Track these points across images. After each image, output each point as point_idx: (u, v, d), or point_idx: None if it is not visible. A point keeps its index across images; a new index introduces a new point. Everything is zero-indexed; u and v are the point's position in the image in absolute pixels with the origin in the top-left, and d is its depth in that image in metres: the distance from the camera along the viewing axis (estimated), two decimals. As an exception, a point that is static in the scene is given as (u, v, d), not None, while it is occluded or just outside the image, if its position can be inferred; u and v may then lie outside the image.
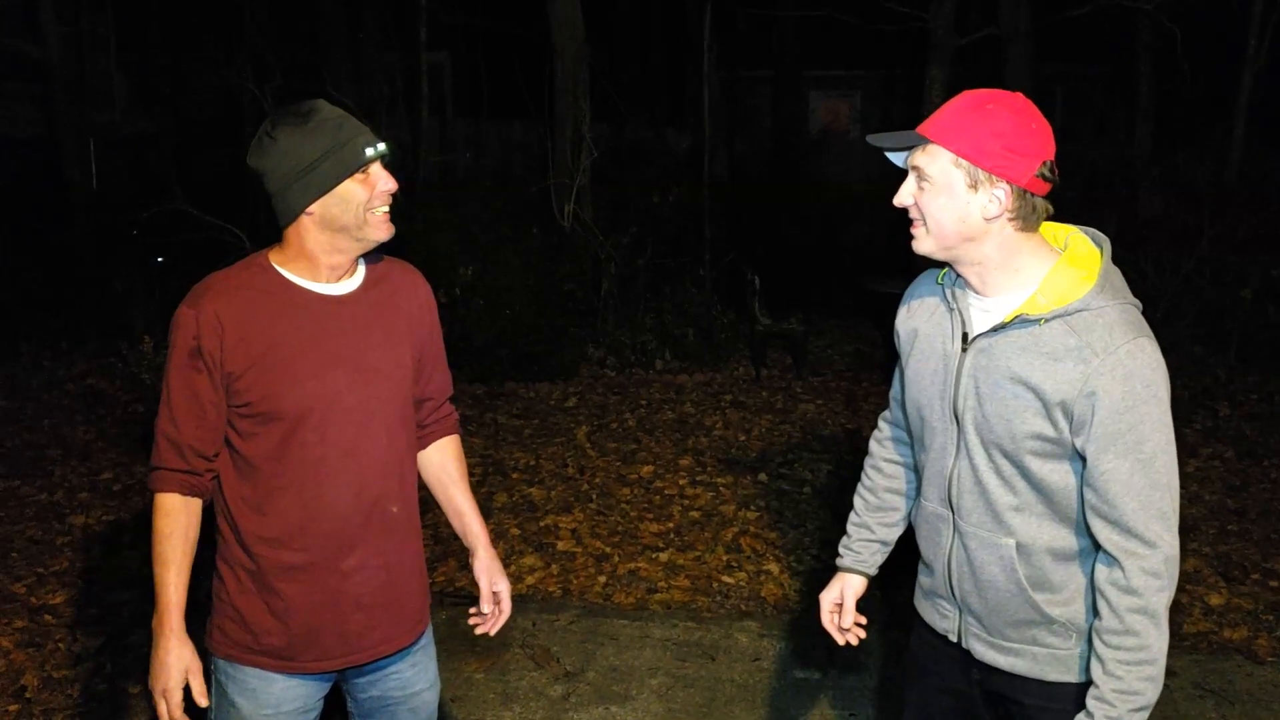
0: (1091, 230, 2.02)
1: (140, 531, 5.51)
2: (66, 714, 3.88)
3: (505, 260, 8.71)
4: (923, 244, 1.97)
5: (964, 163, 1.87)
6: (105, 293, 10.22)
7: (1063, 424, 1.86)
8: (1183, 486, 6.29)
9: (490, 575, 2.50)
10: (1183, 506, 5.95)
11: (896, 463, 2.35)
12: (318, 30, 12.96)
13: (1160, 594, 1.84)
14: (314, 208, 2.14)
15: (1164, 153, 10.13)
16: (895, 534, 2.37)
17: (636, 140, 13.92)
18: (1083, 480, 1.89)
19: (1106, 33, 12.86)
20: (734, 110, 18.01)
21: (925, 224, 1.95)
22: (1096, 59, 16.35)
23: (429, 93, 11.87)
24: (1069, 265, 1.92)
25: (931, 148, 1.90)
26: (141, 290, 9.64)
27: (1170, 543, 1.85)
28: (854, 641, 2.37)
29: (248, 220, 8.95)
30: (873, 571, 2.38)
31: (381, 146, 2.18)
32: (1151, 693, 1.86)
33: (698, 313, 9.37)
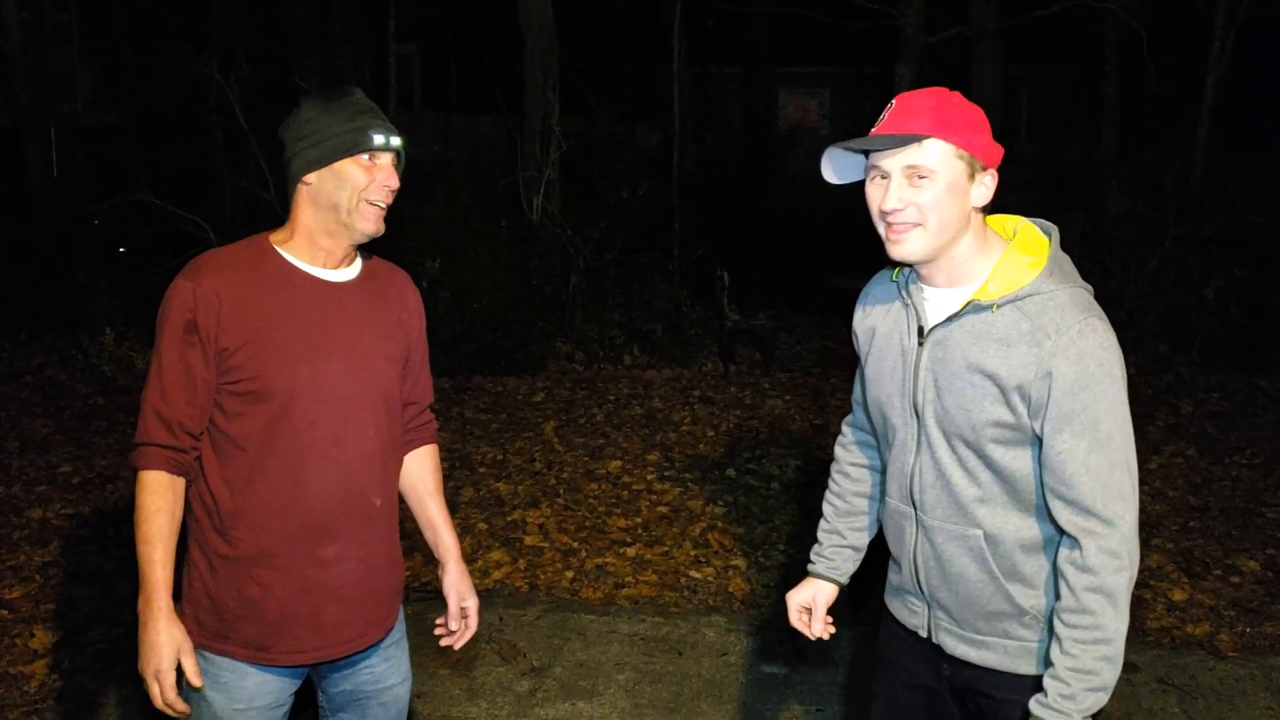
0: (1039, 220, 2.04)
1: (100, 525, 5.43)
2: (23, 711, 3.81)
3: (473, 254, 8.67)
4: (916, 245, 1.92)
5: (965, 154, 1.89)
6: (66, 284, 10.08)
7: (1021, 409, 1.87)
8: (1145, 483, 6.39)
9: (459, 592, 2.48)
10: (1145, 503, 6.04)
11: (863, 466, 2.34)
12: (285, 21, 12.83)
13: (1118, 574, 1.84)
14: (311, 178, 2.16)
15: (1130, 153, 10.21)
16: (866, 539, 2.35)
17: (606, 135, 13.88)
18: (1041, 463, 1.90)
19: (1073, 33, 12.94)
20: (704, 106, 18.01)
21: (924, 224, 1.90)
22: (1063, 59, 16.46)
23: (397, 85, 11.76)
24: (1018, 252, 1.95)
25: (928, 143, 1.88)
26: (103, 282, 9.51)
27: (1130, 522, 1.85)
28: (825, 636, 2.36)
29: (212, 212, 8.86)
30: (844, 580, 2.35)
31: (395, 141, 2.19)
32: (1108, 673, 1.85)
33: (666, 308, 9.36)
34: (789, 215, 13.74)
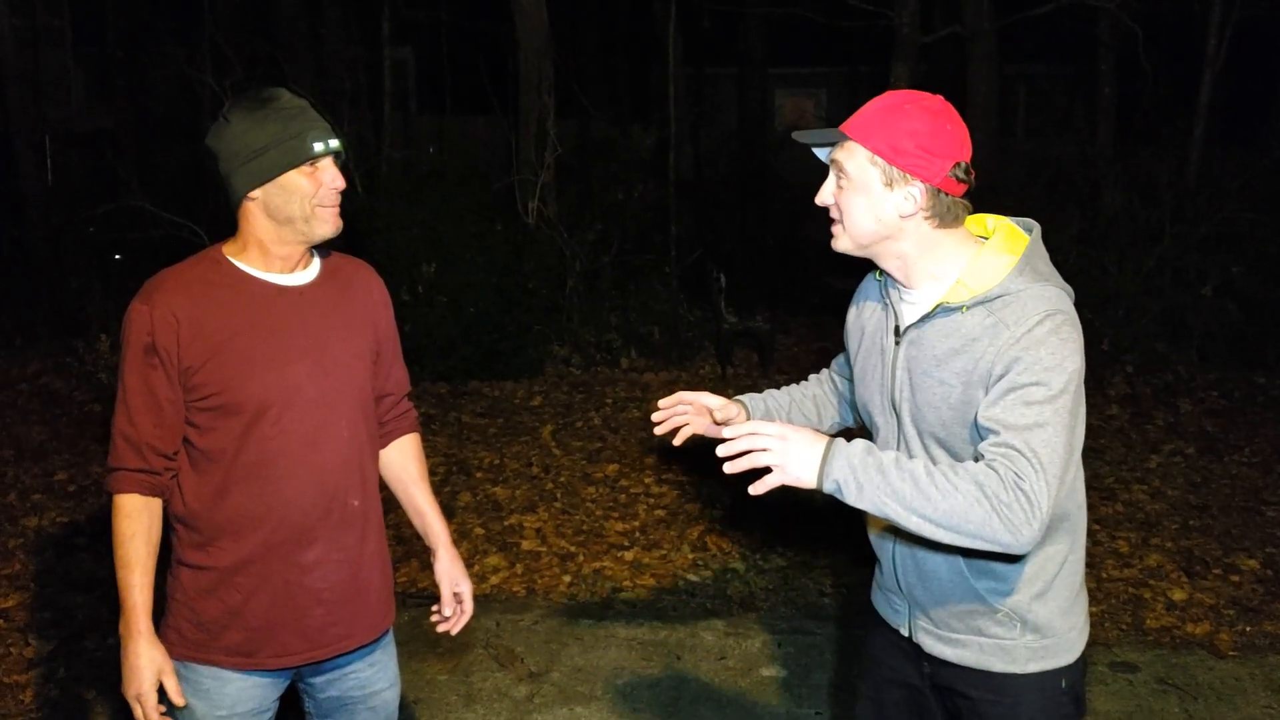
0: (1024, 220, 2.03)
1: (95, 533, 5.40)
2: (18, 720, 3.80)
3: (468, 257, 8.64)
4: (840, 242, 2.00)
5: (880, 160, 1.89)
6: (61, 290, 10.05)
7: (981, 402, 1.86)
8: (1144, 482, 6.36)
9: (451, 577, 2.48)
10: (1144, 502, 6.01)
11: (834, 383, 2.42)
12: (278, 24, 12.82)
13: (1008, 509, 1.71)
14: (257, 194, 2.13)
15: (1126, 151, 10.19)
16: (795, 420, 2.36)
17: (601, 137, 13.85)
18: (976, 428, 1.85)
19: (1069, 32, 12.94)
20: (699, 107, 17.96)
21: (843, 222, 1.97)
22: (1059, 58, 16.46)
23: (392, 88, 11.75)
24: (992, 252, 1.93)
25: (850, 144, 1.93)
26: (98, 288, 9.48)
27: (1039, 494, 1.72)
28: (676, 420, 2.25)
29: (206, 216, 8.83)
30: (745, 411, 2.30)
31: (334, 143, 2.16)
32: (896, 507, 1.73)
33: (663, 310, 9.34)
34: (785, 216, 13.73)
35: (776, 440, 1.78)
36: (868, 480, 1.74)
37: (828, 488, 1.77)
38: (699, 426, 2.26)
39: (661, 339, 9.14)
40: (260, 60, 11.09)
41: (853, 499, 1.76)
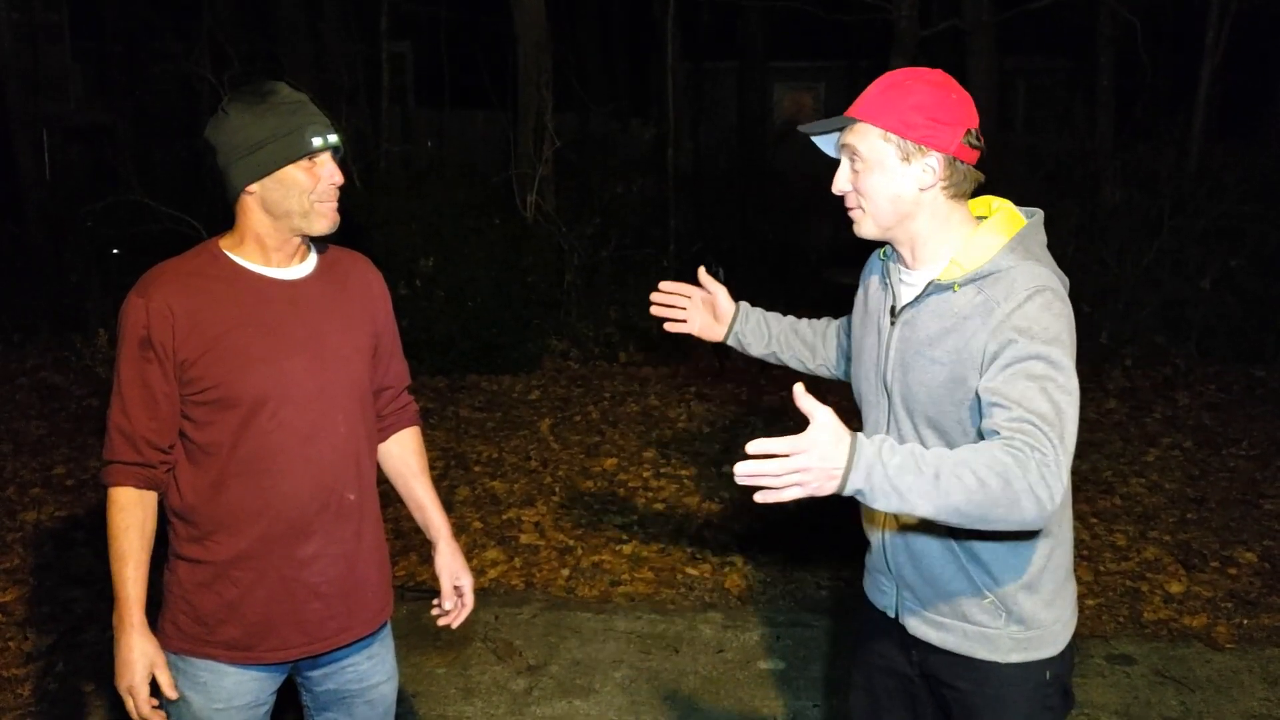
0: (1029, 209, 2.03)
1: (94, 527, 5.40)
2: (18, 714, 3.80)
3: (467, 251, 8.64)
4: (863, 227, 2.00)
5: (893, 137, 1.90)
6: (59, 285, 10.05)
7: (974, 381, 1.86)
8: (1142, 475, 6.35)
9: (452, 570, 2.48)
10: (1142, 495, 6.00)
11: (838, 333, 2.43)
12: (277, 19, 12.80)
13: (1031, 491, 1.63)
14: (254, 188, 2.13)
15: (1125, 145, 10.19)
16: (783, 348, 2.45)
17: (600, 131, 13.85)
18: (980, 411, 1.81)
19: (1068, 25, 12.94)
20: (698, 101, 17.96)
21: (863, 206, 1.97)
22: (1058, 52, 16.45)
23: (390, 83, 11.73)
24: (987, 232, 1.94)
25: (860, 127, 1.94)
26: (96, 282, 9.49)
27: (1064, 452, 1.69)
28: (674, 313, 2.43)
29: (205, 211, 8.83)
30: (738, 325, 2.48)
31: (333, 138, 2.15)
32: (916, 497, 1.60)
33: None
34: (784, 210, 13.73)
35: (801, 471, 1.61)
36: (903, 485, 1.60)
37: (849, 493, 1.62)
38: (695, 326, 2.40)
39: (660, 333, 9.12)
40: (258, 55, 11.08)
41: (882, 506, 1.63)
